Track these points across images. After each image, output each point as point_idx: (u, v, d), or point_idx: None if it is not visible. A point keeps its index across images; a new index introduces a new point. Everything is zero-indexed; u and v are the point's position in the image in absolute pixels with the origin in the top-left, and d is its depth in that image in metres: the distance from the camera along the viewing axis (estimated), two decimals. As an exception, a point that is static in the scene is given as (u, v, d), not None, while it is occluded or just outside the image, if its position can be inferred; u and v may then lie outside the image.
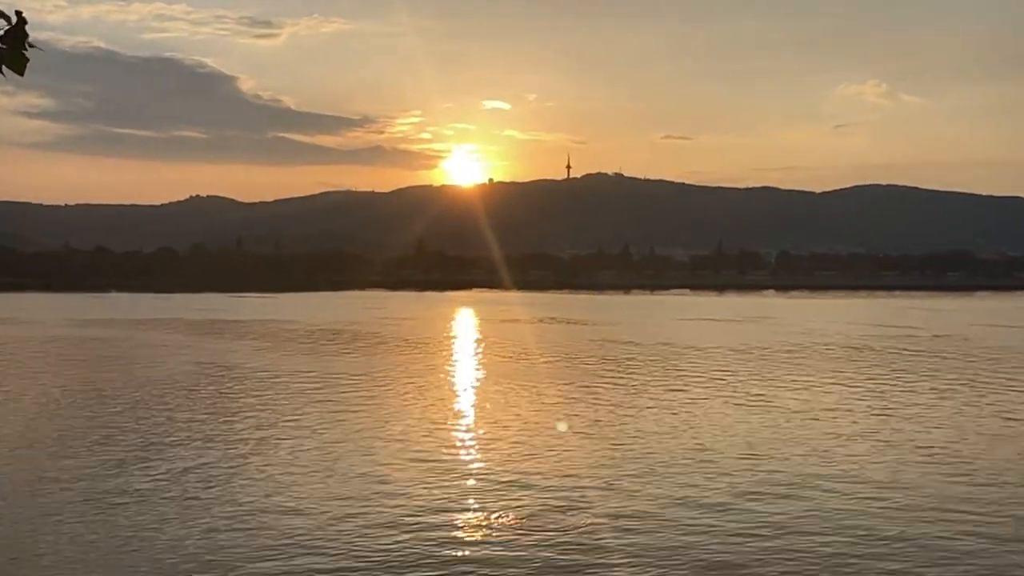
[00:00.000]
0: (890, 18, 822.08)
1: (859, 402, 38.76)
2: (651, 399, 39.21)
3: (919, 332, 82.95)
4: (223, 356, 58.45)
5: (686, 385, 43.96)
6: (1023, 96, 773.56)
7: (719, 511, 21.19)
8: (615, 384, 44.81)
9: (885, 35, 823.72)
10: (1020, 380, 47.00)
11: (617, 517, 20.61)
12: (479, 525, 20.38)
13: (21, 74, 5.25)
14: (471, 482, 24.23)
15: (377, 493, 22.85)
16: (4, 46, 5.22)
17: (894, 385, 44.55)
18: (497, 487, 23.39)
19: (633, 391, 42.13)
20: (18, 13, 5.26)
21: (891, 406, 37.51)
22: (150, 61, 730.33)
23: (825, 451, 28.03)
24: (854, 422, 33.46)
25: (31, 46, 5.25)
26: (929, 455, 27.57)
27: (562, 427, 32.27)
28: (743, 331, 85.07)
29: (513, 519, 20.63)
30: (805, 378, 47.00)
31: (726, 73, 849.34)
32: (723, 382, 44.96)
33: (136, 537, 19.29)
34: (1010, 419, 34.61)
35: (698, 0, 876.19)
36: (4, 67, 5.24)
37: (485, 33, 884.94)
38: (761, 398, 39.57)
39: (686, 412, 35.51)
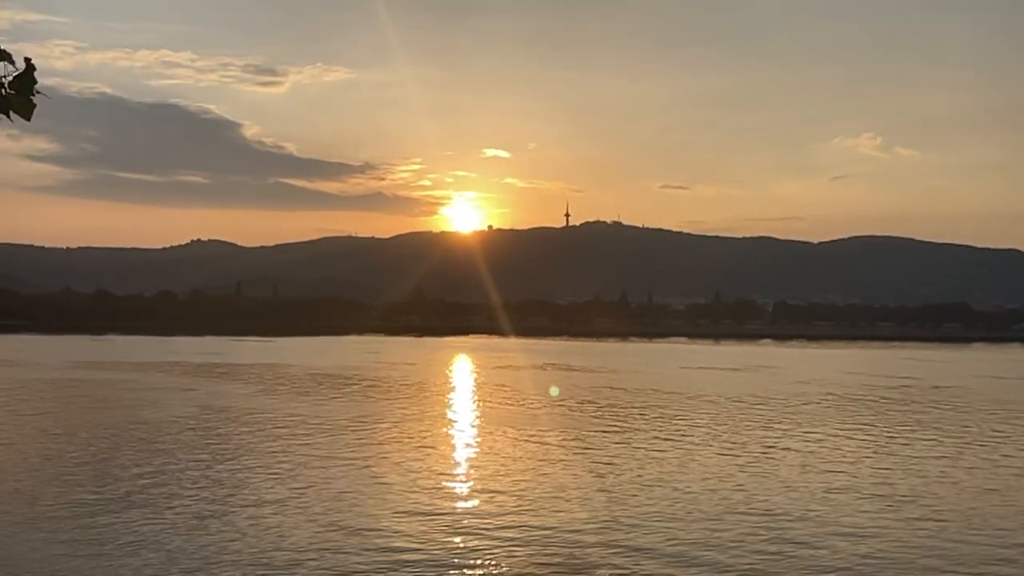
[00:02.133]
0: (885, 72, 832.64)
1: (858, 455, 38.81)
2: (651, 450, 39.52)
3: (919, 384, 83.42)
4: (227, 399, 59.06)
5: (686, 435, 44.33)
6: (1017, 149, 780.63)
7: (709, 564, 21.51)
8: (617, 433, 45.30)
9: (880, 89, 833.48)
10: (1019, 434, 47.66)
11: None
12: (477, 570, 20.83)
13: (28, 119, 5.29)
14: (471, 528, 24.80)
15: (376, 542, 23.41)
16: (12, 92, 5.26)
17: (894, 437, 44.74)
18: (495, 538, 23.70)
19: (634, 441, 42.64)
20: (27, 60, 5.29)
21: (891, 460, 37.68)
22: (155, 107, 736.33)
23: (824, 507, 27.84)
24: (852, 476, 33.68)
25: (37, 92, 5.29)
26: (932, 512, 27.47)
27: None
28: (743, 381, 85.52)
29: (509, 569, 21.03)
30: (806, 430, 47.31)
31: (723, 124, 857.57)
32: (722, 433, 45.13)
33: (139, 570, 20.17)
34: (1010, 473, 35.10)
35: (695, 53, 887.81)
36: (11, 112, 5.29)
37: (485, 83, 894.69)
38: (761, 451, 39.58)
39: (686, 464, 35.87)
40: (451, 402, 62.84)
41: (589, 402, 60.79)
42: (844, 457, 37.89)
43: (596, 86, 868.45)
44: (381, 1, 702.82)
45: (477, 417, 52.71)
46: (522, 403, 60.27)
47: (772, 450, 39.47)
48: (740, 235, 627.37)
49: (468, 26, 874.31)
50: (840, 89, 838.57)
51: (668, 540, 23.48)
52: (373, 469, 33.38)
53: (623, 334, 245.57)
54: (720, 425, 47.93)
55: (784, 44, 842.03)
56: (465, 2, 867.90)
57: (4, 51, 5.26)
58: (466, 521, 25.48)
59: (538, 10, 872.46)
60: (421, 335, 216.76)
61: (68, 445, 38.37)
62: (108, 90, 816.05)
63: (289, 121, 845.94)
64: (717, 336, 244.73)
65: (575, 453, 37.77)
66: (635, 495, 29.09)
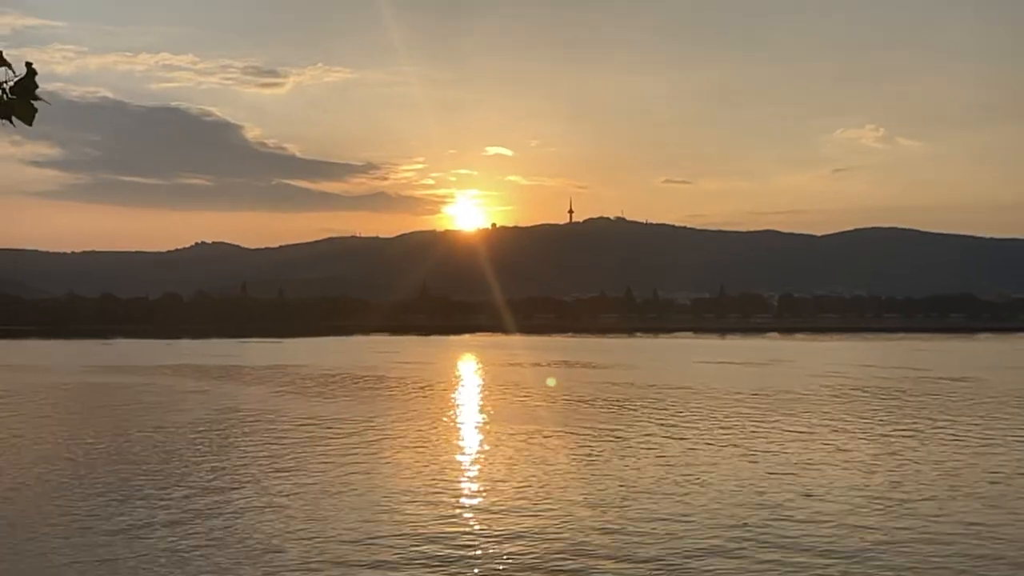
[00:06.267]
0: (886, 65, 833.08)
1: (882, 453, 38.22)
2: (671, 450, 39.21)
3: (932, 375, 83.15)
4: (243, 401, 59.15)
5: (702, 433, 43.97)
6: (1020, 139, 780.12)
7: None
8: (629, 428, 45.23)
9: (882, 81, 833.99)
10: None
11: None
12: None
13: (30, 124, 5.30)
14: (481, 528, 24.88)
15: (386, 542, 23.61)
16: (14, 97, 5.28)
17: (917, 432, 44.17)
18: (506, 539, 23.73)
19: (655, 441, 42.46)
20: (28, 64, 5.30)
21: (919, 456, 37.08)
22: (157, 110, 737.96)
23: (841, 508, 27.28)
24: (870, 473, 33.18)
25: (38, 98, 5.31)
26: (956, 512, 27.03)
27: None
28: (755, 376, 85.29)
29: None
30: (826, 424, 47.01)
31: (725, 118, 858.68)
32: (741, 431, 44.33)
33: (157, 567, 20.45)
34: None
35: (696, 48, 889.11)
36: (13, 117, 5.31)
37: (487, 81, 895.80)
38: (777, 449, 39.04)
39: (705, 464, 35.33)
40: (471, 402, 62.59)
41: (607, 400, 60.40)
42: (868, 455, 37.36)
43: (597, 83, 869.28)
44: (383, 0, 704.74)
45: (495, 416, 52.29)
46: (536, 401, 60.04)
47: (794, 448, 39.11)
48: (744, 229, 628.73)
49: (469, 24, 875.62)
50: (842, 82, 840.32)
51: (680, 544, 23.34)
52: (390, 468, 33.51)
53: (628, 330, 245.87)
54: (738, 422, 47.55)
55: (785, 38, 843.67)
56: (466, 1, 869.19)
57: (2, 58, 5.25)
58: (486, 523, 25.40)
59: (538, 7, 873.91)
60: (426, 334, 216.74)
61: (94, 450, 38.32)
62: (109, 94, 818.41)
63: (291, 122, 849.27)
64: (723, 330, 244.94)
65: (597, 453, 37.70)
66: (654, 499, 28.57)
